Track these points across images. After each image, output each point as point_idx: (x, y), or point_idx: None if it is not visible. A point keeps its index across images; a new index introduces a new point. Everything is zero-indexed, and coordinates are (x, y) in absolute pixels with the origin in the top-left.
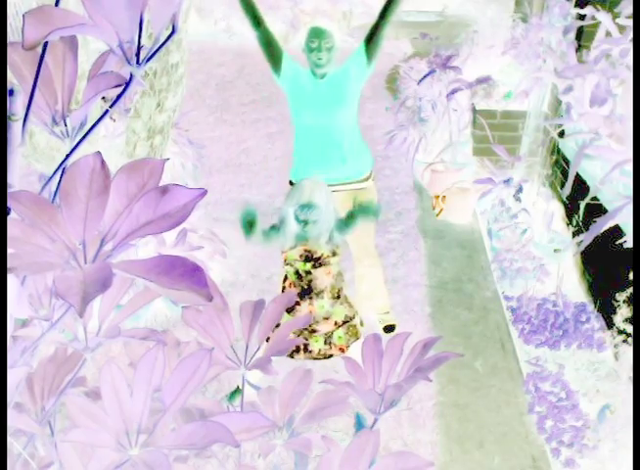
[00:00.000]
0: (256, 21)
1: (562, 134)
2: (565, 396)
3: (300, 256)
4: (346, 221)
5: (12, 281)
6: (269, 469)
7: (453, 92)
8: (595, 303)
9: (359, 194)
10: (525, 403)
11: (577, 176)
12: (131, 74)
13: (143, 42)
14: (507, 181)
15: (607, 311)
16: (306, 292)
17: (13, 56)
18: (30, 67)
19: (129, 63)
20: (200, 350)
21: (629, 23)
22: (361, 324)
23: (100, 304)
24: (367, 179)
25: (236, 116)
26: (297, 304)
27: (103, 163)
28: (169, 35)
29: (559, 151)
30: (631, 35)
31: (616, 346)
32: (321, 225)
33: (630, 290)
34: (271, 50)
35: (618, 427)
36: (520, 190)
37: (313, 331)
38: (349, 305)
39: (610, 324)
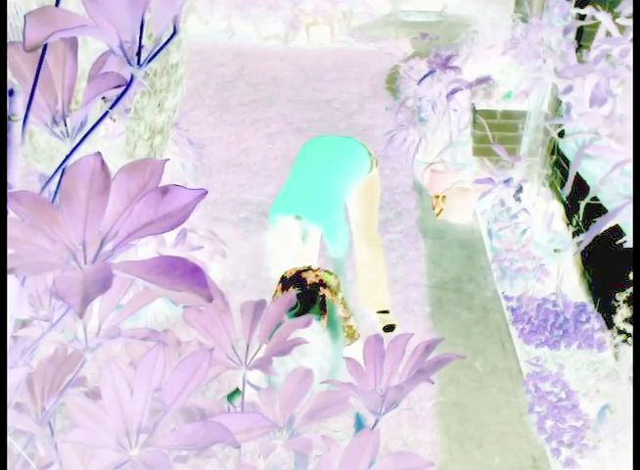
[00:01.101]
0: None
1: (562, 134)
2: (565, 396)
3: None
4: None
5: (12, 281)
6: (269, 469)
7: (453, 92)
8: (595, 303)
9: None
10: (525, 403)
11: (577, 176)
12: (132, 75)
13: (143, 43)
14: (507, 181)
15: (607, 311)
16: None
17: (13, 56)
18: (31, 67)
19: (130, 63)
20: (200, 349)
21: (629, 23)
22: (354, 329)
23: (100, 304)
24: None
25: (236, 116)
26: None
27: (103, 163)
28: (171, 36)
29: (559, 151)
30: (631, 35)
31: (616, 346)
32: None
33: (630, 290)
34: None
35: (618, 427)
36: (520, 190)
37: None
38: (344, 307)
39: (610, 324)
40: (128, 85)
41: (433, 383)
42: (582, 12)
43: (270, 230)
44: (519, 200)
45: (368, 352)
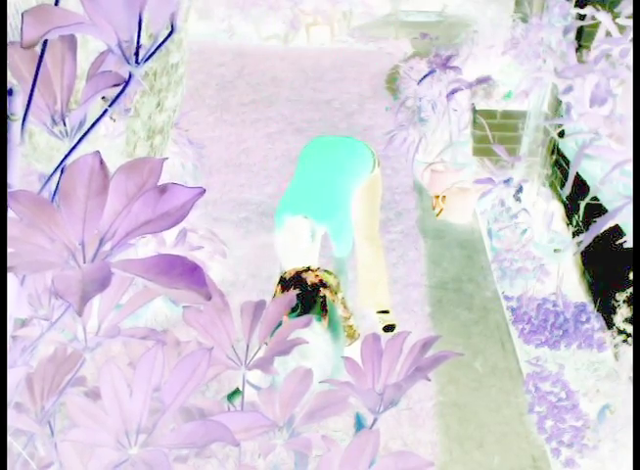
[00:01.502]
0: None
1: (562, 134)
2: (565, 396)
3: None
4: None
5: (11, 281)
6: (269, 469)
7: (453, 92)
8: (595, 303)
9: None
10: (525, 403)
11: (577, 176)
12: (130, 74)
13: (143, 42)
14: (507, 181)
15: (607, 311)
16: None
17: (12, 56)
18: (29, 66)
19: (128, 62)
20: (199, 349)
21: (629, 23)
22: (354, 329)
23: (99, 303)
24: None
25: (236, 116)
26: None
27: (102, 162)
28: (168, 35)
29: (559, 151)
30: (631, 35)
31: (616, 346)
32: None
33: (630, 290)
34: None
35: (618, 427)
36: (520, 190)
37: None
38: (344, 307)
39: (610, 324)
40: (126, 84)
41: (429, 380)
42: (582, 12)
43: (279, 232)
44: (519, 200)
45: (366, 352)
